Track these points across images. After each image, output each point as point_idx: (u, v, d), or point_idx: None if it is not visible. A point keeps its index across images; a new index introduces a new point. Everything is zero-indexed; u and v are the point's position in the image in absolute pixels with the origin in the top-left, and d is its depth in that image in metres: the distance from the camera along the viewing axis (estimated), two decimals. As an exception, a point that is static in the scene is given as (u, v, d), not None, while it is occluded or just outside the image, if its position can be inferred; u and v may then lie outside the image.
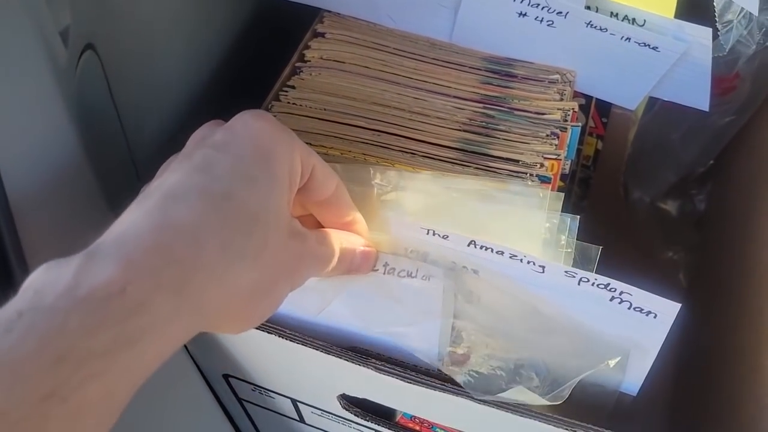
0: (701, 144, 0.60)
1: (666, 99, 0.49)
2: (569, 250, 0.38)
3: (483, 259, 0.38)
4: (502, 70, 0.50)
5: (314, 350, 0.38)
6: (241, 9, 0.58)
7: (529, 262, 0.36)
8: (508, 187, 0.41)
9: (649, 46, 0.45)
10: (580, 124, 0.45)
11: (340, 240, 0.36)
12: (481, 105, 0.48)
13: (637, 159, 0.61)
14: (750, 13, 0.48)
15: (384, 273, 0.39)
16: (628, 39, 0.45)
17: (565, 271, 0.36)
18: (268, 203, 0.30)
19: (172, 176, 0.29)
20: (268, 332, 0.38)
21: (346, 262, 0.37)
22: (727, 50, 0.48)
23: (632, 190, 0.66)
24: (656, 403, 0.62)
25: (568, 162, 0.44)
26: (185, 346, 0.45)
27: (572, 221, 0.39)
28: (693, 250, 0.69)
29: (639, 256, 0.69)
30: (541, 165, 0.43)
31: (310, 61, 0.52)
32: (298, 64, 0.52)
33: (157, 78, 0.50)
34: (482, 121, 0.47)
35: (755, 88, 0.55)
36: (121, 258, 0.25)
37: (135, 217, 0.27)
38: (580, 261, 0.38)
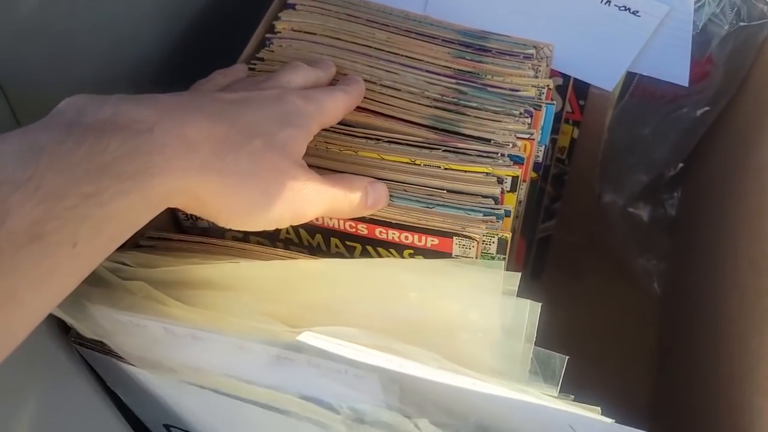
0: (673, 139, 0.59)
1: (645, 74, 0.48)
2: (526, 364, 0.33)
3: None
4: (475, 44, 0.48)
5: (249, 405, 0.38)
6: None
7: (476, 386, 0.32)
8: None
9: (629, 9, 0.44)
10: (554, 102, 0.44)
11: (346, 179, 0.39)
12: (453, 80, 0.46)
13: (609, 156, 0.60)
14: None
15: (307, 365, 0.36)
16: (608, 2, 0.44)
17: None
18: (279, 134, 0.35)
19: (227, 93, 0.36)
20: (202, 388, 0.38)
21: (356, 197, 0.38)
22: (699, 28, 0.47)
23: (605, 193, 0.65)
24: (638, 411, 0.63)
25: (542, 148, 0.42)
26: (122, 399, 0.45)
27: (531, 311, 0.33)
28: (665, 257, 0.69)
29: (612, 264, 0.69)
30: (514, 145, 0.42)
31: (280, 32, 0.50)
32: (267, 35, 0.50)
33: (117, 46, 0.48)
34: (454, 98, 0.45)
35: (728, 76, 0.54)
36: (155, 105, 0.31)
37: (175, 94, 0.33)
38: (542, 374, 0.33)
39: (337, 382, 0.35)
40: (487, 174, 0.41)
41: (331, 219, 0.41)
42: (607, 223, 0.66)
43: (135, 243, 0.40)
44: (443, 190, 0.41)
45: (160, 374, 0.39)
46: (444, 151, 0.43)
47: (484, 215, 0.39)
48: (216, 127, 0.32)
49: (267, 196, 0.34)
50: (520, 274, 0.33)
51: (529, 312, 0.33)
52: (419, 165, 0.42)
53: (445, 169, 0.41)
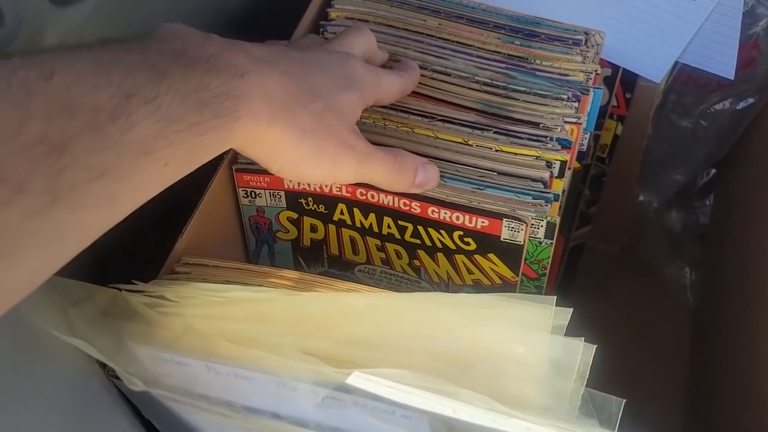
0: (714, 133, 0.59)
1: (690, 64, 0.48)
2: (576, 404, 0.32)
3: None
4: (525, 29, 0.49)
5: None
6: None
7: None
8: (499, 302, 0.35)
9: None
10: (602, 87, 0.45)
11: (399, 155, 0.41)
12: (503, 65, 0.47)
13: (651, 148, 0.59)
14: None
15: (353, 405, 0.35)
16: None
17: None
18: (339, 97, 0.38)
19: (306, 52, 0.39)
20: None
21: (405, 173, 0.41)
22: (748, 6, 0.46)
23: (642, 191, 0.65)
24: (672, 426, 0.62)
25: (587, 135, 0.43)
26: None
27: (585, 351, 0.32)
28: (698, 266, 0.68)
29: (644, 273, 0.69)
30: (562, 128, 0.43)
31: (334, 19, 0.52)
32: (321, 22, 0.52)
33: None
34: (503, 82, 0.46)
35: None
36: (246, 53, 0.34)
37: (257, 45, 0.36)
38: (598, 417, 0.32)
39: (385, 422, 0.35)
40: (537, 158, 0.41)
41: (386, 196, 0.43)
42: (639, 230, 0.66)
43: (171, 269, 0.40)
44: (494, 171, 0.42)
45: (201, 411, 0.39)
46: (495, 132, 0.44)
47: (534, 198, 0.40)
48: (288, 84, 0.35)
49: (319, 153, 0.37)
50: (571, 310, 0.33)
51: (582, 352, 0.32)
52: (471, 145, 0.43)
53: (496, 150, 0.43)
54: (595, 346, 0.32)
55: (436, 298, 0.36)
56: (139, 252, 0.43)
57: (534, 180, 0.41)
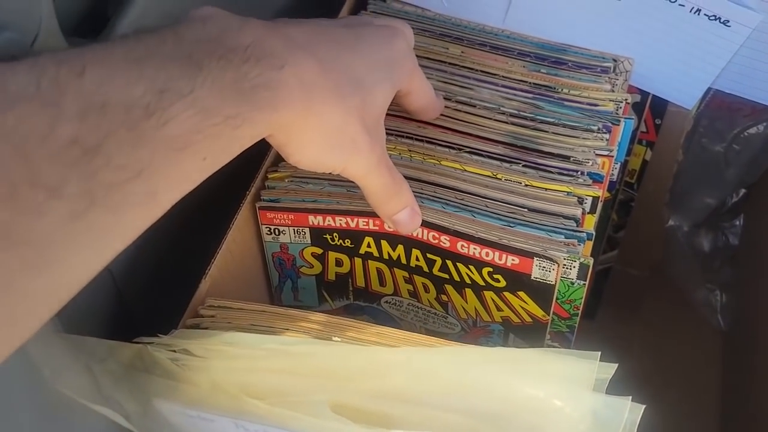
0: (747, 158, 0.57)
1: (725, 90, 0.46)
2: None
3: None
4: (551, 57, 0.48)
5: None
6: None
7: None
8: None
9: (719, 19, 0.43)
10: (633, 117, 0.43)
11: (402, 186, 0.40)
12: (530, 95, 0.46)
13: (681, 173, 0.58)
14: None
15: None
16: (698, 11, 0.43)
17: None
18: (375, 90, 0.37)
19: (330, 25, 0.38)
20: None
21: (397, 203, 0.40)
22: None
23: (671, 215, 0.63)
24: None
25: (617, 165, 0.42)
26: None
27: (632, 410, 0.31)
28: (729, 288, 0.66)
29: (673, 296, 0.67)
30: (593, 162, 0.42)
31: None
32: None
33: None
34: (530, 113, 0.45)
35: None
36: (286, 41, 0.32)
37: (300, 25, 0.35)
38: None
39: None
40: (568, 193, 0.40)
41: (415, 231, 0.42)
42: (668, 252, 0.65)
43: (195, 312, 0.40)
44: (524, 208, 0.40)
45: None
46: (524, 166, 0.43)
47: (566, 237, 0.38)
48: (328, 75, 0.34)
49: (342, 146, 0.36)
50: (616, 365, 0.32)
51: (629, 412, 0.31)
52: (500, 179, 0.42)
53: (526, 185, 0.41)
54: (644, 406, 0.31)
55: (474, 352, 0.34)
56: (162, 295, 0.43)
57: (566, 217, 0.40)
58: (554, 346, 0.45)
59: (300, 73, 0.32)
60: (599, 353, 0.33)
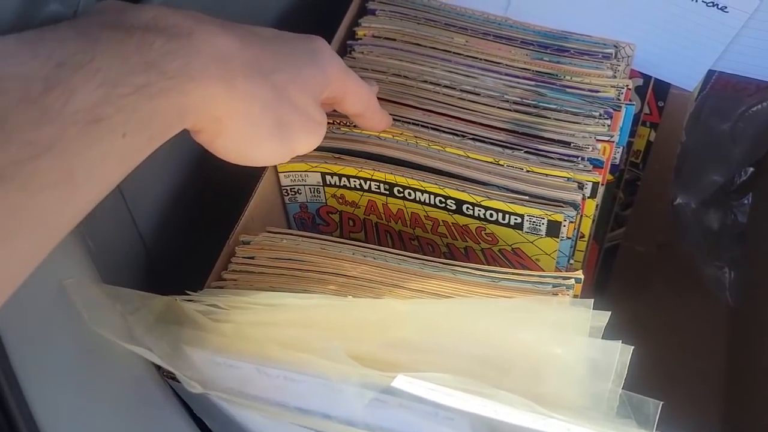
0: (752, 135, 0.58)
1: (727, 71, 0.47)
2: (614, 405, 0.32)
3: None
4: (554, 45, 0.49)
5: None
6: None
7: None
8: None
9: (717, 5, 0.43)
10: (634, 103, 0.44)
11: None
12: (532, 83, 0.47)
13: (686, 153, 0.59)
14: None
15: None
16: None
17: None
18: (303, 71, 0.36)
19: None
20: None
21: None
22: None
23: (678, 194, 0.64)
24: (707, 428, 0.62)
25: (619, 149, 0.43)
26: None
27: (622, 353, 0.32)
28: (736, 265, 0.67)
29: (681, 273, 0.68)
30: (593, 148, 0.43)
31: (361, 39, 0.52)
32: (349, 42, 0.52)
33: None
34: (533, 100, 0.46)
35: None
36: (191, 16, 0.31)
37: (210, 17, 0.33)
38: (635, 418, 0.32)
39: (428, 421, 0.36)
40: (568, 179, 0.41)
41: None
42: (676, 230, 0.65)
43: (218, 276, 0.42)
44: (525, 194, 0.42)
45: (252, 411, 0.40)
46: (526, 152, 0.44)
47: (554, 287, 0.38)
48: (246, 49, 0.32)
49: (279, 129, 0.35)
50: (609, 313, 0.33)
51: (619, 354, 0.32)
52: (502, 165, 0.43)
53: (528, 171, 0.43)
54: (632, 347, 0.32)
55: (476, 303, 0.36)
56: (189, 257, 0.45)
57: (566, 203, 0.41)
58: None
59: (213, 43, 0.31)
60: (592, 300, 0.34)
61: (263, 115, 0.33)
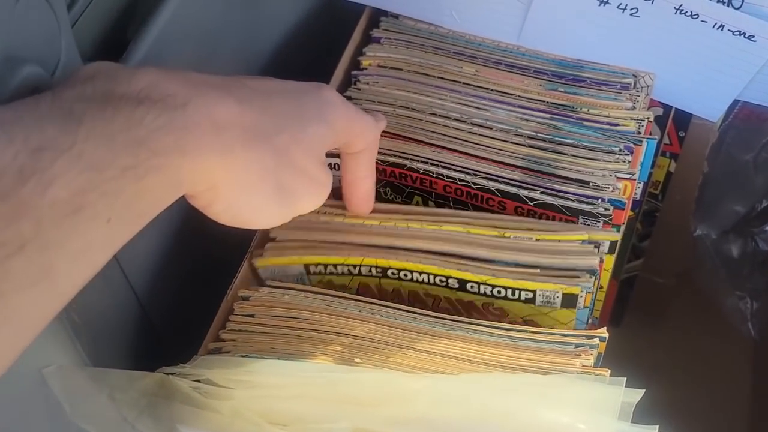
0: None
1: (752, 101, 0.45)
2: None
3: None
4: (569, 74, 0.47)
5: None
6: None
7: None
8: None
9: (744, 34, 0.41)
10: (656, 137, 0.42)
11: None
12: (547, 115, 0.45)
13: (707, 184, 0.56)
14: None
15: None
16: (722, 27, 0.41)
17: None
18: (308, 129, 0.34)
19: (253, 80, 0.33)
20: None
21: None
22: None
23: (698, 225, 0.61)
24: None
25: (640, 185, 0.40)
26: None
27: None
28: (759, 295, 0.64)
29: (701, 304, 0.65)
30: (614, 188, 0.40)
31: (366, 69, 0.50)
32: (354, 72, 0.50)
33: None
34: (549, 134, 0.44)
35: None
36: (186, 81, 0.29)
37: (208, 76, 0.31)
38: None
39: None
40: (583, 242, 0.38)
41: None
42: (696, 261, 0.63)
43: (216, 336, 0.40)
44: (537, 268, 0.38)
45: None
46: (542, 193, 0.41)
47: (576, 347, 0.36)
48: (246, 113, 0.30)
49: (280, 194, 0.33)
50: (643, 391, 0.31)
51: None
52: (509, 237, 0.40)
53: (537, 240, 0.39)
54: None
55: (499, 378, 0.34)
56: (189, 313, 0.43)
57: (580, 270, 0.38)
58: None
59: (210, 112, 0.29)
60: (625, 379, 0.32)
61: (262, 182, 0.32)
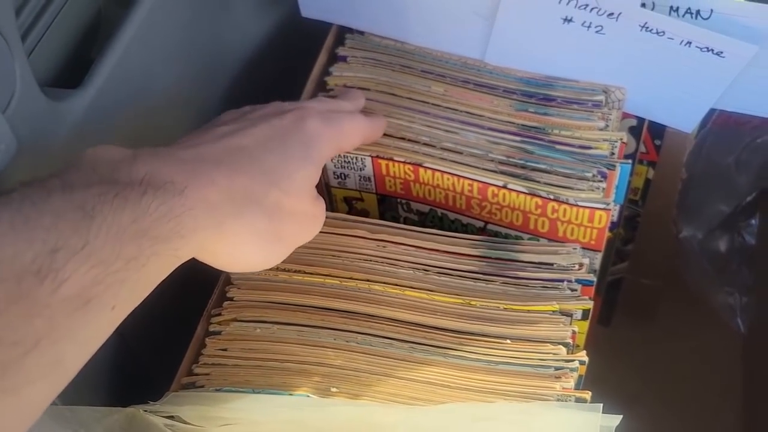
0: (757, 166, 0.54)
1: (729, 109, 0.43)
2: None
3: None
4: (539, 93, 0.45)
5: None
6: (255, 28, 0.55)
7: None
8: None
9: (712, 51, 0.40)
10: (629, 162, 0.41)
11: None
12: (518, 138, 0.44)
13: (689, 188, 0.55)
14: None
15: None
16: (689, 43, 0.40)
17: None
18: (295, 175, 0.36)
19: (235, 136, 0.35)
20: None
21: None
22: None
23: (683, 227, 0.60)
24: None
25: (617, 207, 0.39)
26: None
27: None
28: (747, 290, 0.63)
29: (689, 303, 0.65)
30: (580, 265, 0.39)
31: (332, 89, 0.49)
32: (320, 94, 0.48)
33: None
34: (520, 158, 0.43)
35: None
36: (182, 165, 0.31)
37: (191, 143, 0.33)
38: None
39: None
40: (554, 312, 0.37)
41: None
42: (683, 259, 0.62)
43: (188, 371, 0.39)
44: (506, 339, 0.37)
45: None
46: (502, 284, 0.39)
47: (556, 369, 0.35)
48: (235, 182, 0.32)
49: (273, 243, 0.35)
50: (620, 417, 0.31)
51: None
52: (475, 306, 0.38)
53: (505, 309, 0.38)
54: None
55: (476, 408, 0.34)
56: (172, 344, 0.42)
57: (553, 343, 0.36)
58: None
59: (204, 196, 0.31)
60: (601, 405, 0.33)
61: (258, 239, 0.34)
